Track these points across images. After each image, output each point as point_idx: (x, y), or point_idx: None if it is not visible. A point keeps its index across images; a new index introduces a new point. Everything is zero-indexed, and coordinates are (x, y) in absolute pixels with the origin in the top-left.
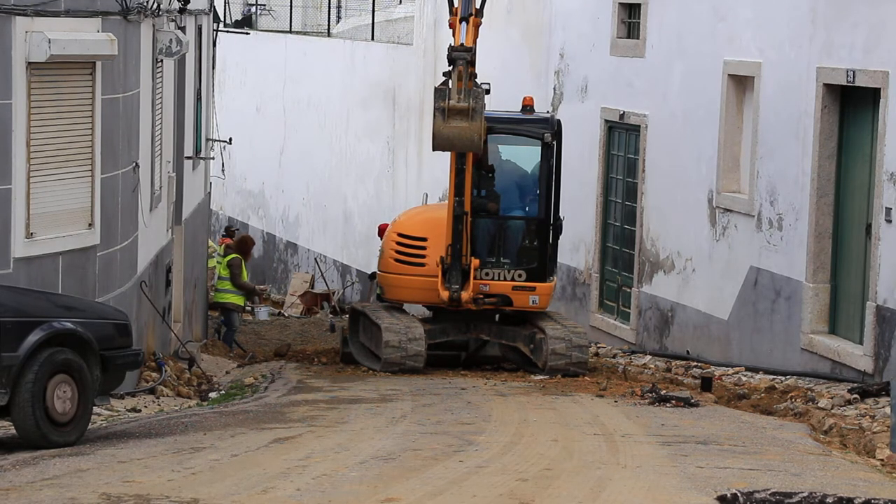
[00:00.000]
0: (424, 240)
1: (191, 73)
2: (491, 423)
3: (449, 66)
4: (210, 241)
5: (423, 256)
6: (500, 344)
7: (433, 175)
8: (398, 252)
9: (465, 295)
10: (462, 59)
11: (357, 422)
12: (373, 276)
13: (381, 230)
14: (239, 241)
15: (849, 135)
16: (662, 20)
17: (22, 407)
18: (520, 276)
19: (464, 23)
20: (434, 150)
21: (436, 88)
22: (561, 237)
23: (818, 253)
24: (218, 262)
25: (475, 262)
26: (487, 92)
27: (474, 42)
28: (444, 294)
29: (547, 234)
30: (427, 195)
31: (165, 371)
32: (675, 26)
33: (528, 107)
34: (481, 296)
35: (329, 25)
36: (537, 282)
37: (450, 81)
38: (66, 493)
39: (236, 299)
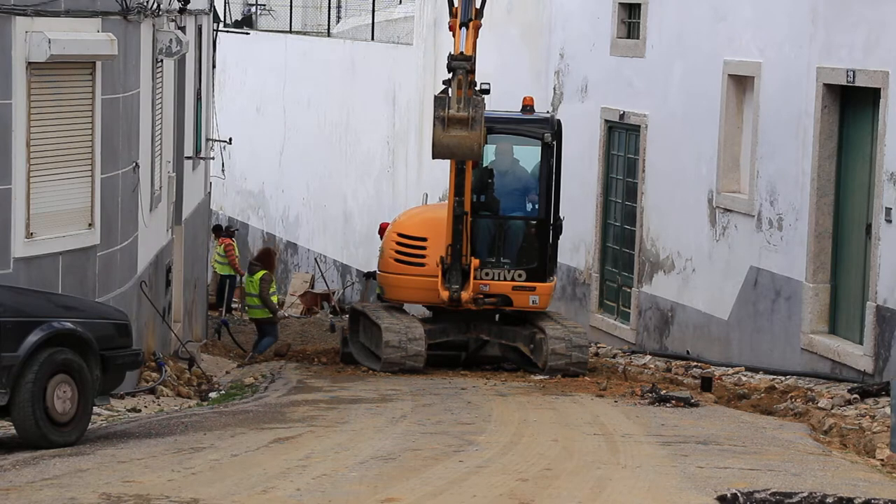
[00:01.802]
0: (424, 240)
1: (191, 73)
2: (491, 423)
3: (448, 73)
4: (218, 248)
5: (423, 256)
6: (500, 344)
7: (433, 175)
8: (398, 252)
9: (465, 295)
10: (461, 68)
11: (357, 422)
12: (368, 275)
13: (383, 229)
14: (265, 256)
15: (849, 135)
16: (662, 20)
17: (22, 407)
18: (520, 276)
19: (463, 28)
20: (434, 158)
21: (435, 97)
22: (561, 237)
23: (818, 253)
24: (250, 281)
25: (475, 261)
26: (487, 92)
27: (474, 47)
28: (444, 294)
29: (547, 234)
30: (427, 195)
31: (165, 371)
32: (675, 26)
33: (528, 107)
34: (481, 296)
35: (329, 25)
36: (537, 282)
37: (449, 90)
38: (66, 493)
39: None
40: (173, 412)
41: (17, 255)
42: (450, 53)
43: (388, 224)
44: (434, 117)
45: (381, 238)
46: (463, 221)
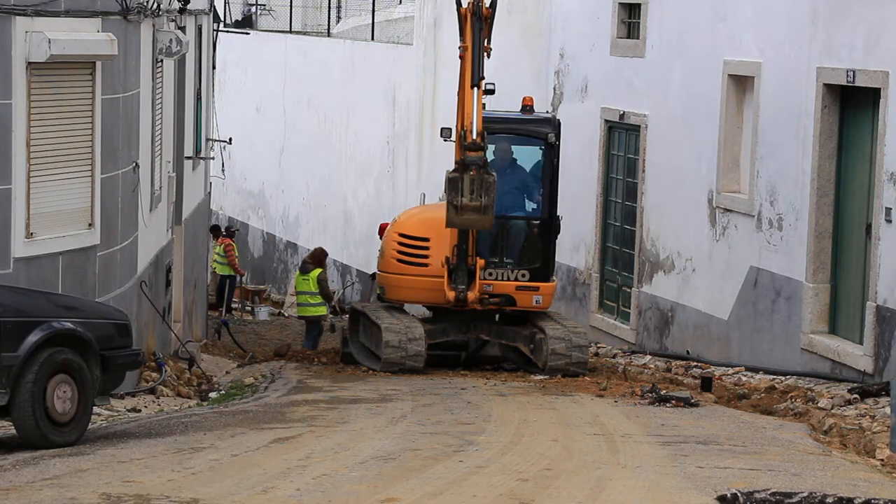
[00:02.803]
0: (427, 240)
1: (191, 73)
2: (491, 423)
3: (462, 151)
4: (217, 249)
5: (425, 257)
6: (500, 344)
7: (433, 175)
8: (400, 252)
9: (472, 295)
10: (475, 164)
11: (357, 422)
12: (374, 276)
13: (382, 230)
14: (317, 256)
15: (849, 135)
16: (662, 20)
17: (22, 407)
18: (523, 276)
19: (475, 89)
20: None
21: (448, 178)
22: (560, 237)
23: (818, 253)
24: (304, 279)
25: (480, 262)
26: (493, 92)
27: (482, 118)
28: (451, 294)
29: (549, 233)
30: (424, 195)
31: (165, 371)
32: (675, 26)
33: (528, 107)
34: (486, 296)
35: (329, 25)
36: (540, 282)
37: (463, 174)
38: (66, 493)
39: (324, 310)
40: (173, 412)
41: (17, 255)
42: (463, 141)
43: (387, 224)
44: (448, 201)
45: (381, 238)
46: None
